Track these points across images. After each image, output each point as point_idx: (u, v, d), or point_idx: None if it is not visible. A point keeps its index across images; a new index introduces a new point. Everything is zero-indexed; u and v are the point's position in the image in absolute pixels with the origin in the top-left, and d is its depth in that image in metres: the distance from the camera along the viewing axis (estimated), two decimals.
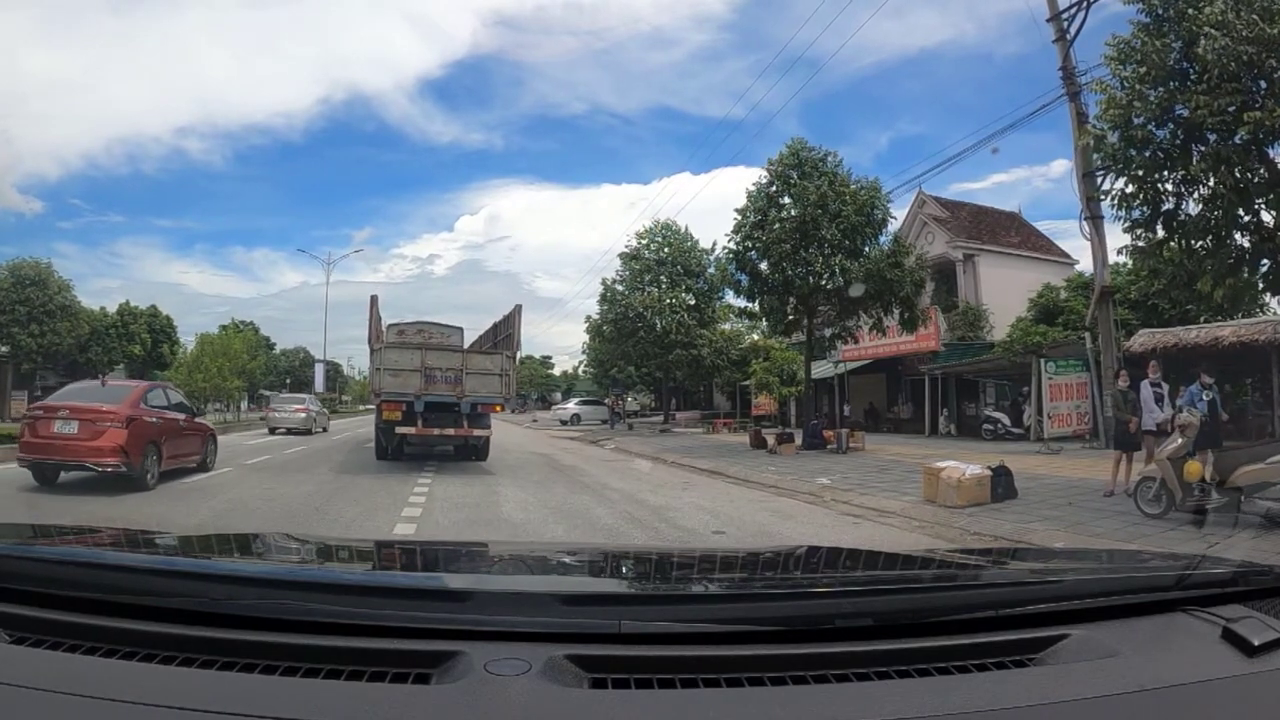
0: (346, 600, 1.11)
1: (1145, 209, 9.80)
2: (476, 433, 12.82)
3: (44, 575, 1.15)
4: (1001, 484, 8.91)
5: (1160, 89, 9.08)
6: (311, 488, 10.15)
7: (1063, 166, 71.37)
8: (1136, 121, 9.48)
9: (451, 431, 12.65)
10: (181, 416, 10.87)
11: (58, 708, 0.84)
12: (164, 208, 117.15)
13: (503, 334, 14.55)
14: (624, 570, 1.77)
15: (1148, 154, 9.26)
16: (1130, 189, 9.56)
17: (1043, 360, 16.36)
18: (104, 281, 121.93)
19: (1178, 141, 9.45)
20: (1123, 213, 9.79)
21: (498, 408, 13.04)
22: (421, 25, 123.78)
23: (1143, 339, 16.76)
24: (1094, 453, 14.19)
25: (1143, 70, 9.09)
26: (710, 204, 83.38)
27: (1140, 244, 10.22)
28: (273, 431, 24.59)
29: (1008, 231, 33.74)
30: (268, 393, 64.89)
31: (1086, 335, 16.51)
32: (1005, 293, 27.46)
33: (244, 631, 1.00)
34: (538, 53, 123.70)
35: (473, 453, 13.40)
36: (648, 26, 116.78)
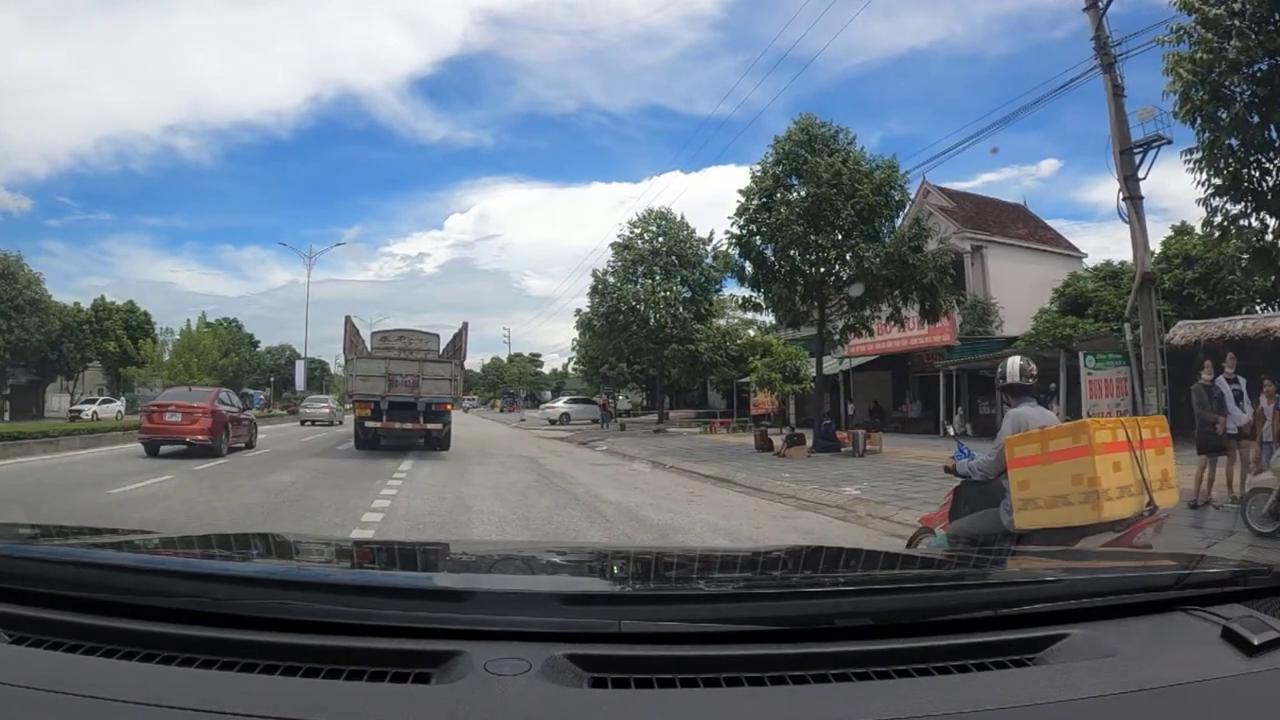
0: (347, 600, 1.08)
1: (1226, 177, 8.49)
2: (432, 427, 15.40)
3: (44, 575, 1.12)
4: None
5: (1251, 35, 7.74)
6: (255, 500, 8.87)
7: (1052, 166, 70.30)
8: (1212, 77, 8.22)
9: (410, 426, 15.31)
10: (236, 409, 15.92)
11: (58, 708, 0.83)
12: (153, 206, 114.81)
13: (458, 345, 17.22)
14: (624, 570, 1.71)
15: (1241, 103, 7.92)
16: (1211, 151, 8.24)
17: (1081, 354, 14.99)
18: (93, 280, 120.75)
19: (1259, 98, 8.18)
20: (1204, 176, 8.43)
21: (448, 406, 15.75)
22: (412, 23, 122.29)
23: (1183, 331, 15.44)
24: None
25: (1236, 5, 7.72)
26: (700, 202, 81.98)
27: (1219, 220, 8.85)
28: (303, 423, 30.39)
29: (1015, 223, 32.44)
30: (252, 391, 63.54)
31: (1126, 326, 15.12)
32: (1014, 287, 26.15)
33: (244, 631, 0.97)
34: (529, 51, 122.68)
35: (436, 444, 15.77)
36: (639, 25, 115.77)
